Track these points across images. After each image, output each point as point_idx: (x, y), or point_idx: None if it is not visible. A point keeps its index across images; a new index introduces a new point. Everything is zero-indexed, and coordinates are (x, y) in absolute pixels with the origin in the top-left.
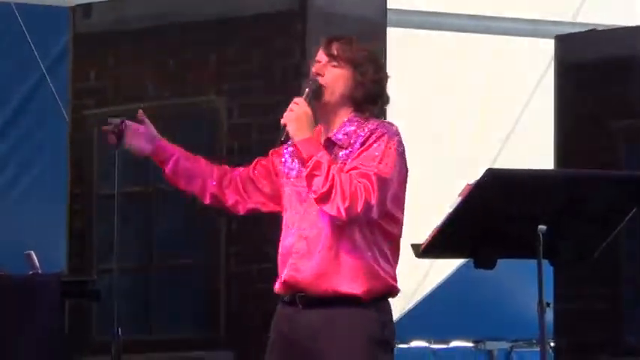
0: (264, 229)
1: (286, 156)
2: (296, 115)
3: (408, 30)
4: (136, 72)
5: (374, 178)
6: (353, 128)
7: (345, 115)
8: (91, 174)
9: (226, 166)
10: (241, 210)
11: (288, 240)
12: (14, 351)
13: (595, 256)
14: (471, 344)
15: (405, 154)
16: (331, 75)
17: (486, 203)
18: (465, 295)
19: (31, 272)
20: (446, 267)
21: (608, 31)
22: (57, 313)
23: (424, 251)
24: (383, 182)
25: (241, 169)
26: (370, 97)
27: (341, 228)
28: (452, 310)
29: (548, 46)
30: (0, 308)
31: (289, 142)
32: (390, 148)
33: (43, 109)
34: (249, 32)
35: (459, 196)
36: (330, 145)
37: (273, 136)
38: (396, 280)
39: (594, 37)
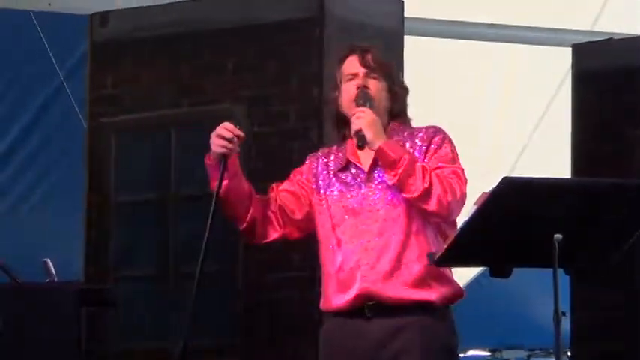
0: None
1: (322, 173)
2: (370, 120)
3: (425, 38)
4: (153, 80)
5: (461, 174)
6: (401, 137)
7: (386, 126)
8: (108, 182)
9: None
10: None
11: (343, 257)
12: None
13: (611, 264)
14: (487, 353)
15: None
16: (375, 87)
17: (502, 212)
18: (481, 303)
19: (47, 280)
20: (463, 275)
21: (626, 40)
22: (73, 321)
23: (440, 260)
24: (465, 180)
25: (270, 202)
26: (403, 106)
27: (409, 235)
28: (468, 318)
29: (565, 54)
30: (16, 316)
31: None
32: (455, 150)
33: (61, 117)
34: (266, 40)
35: (474, 204)
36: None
37: (291, 144)
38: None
39: (611, 46)
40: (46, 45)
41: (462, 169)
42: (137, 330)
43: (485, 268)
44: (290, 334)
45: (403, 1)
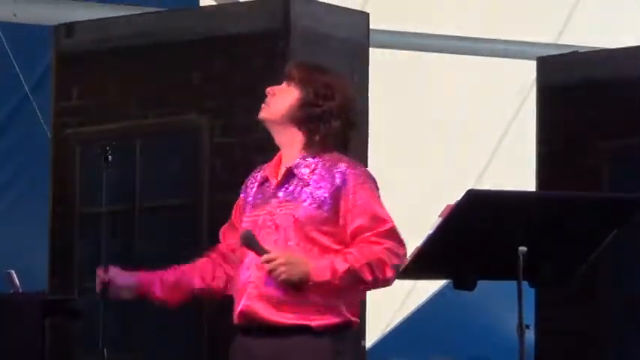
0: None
1: (248, 191)
2: (284, 273)
3: (390, 51)
4: (118, 91)
5: (389, 225)
6: (314, 163)
7: (297, 140)
8: (74, 193)
9: (208, 259)
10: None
11: (244, 272)
12: None
13: (576, 277)
14: None
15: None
16: (278, 90)
17: (467, 224)
18: (446, 315)
19: (11, 291)
20: (427, 288)
21: (590, 52)
22: (38, 332)
23: (404, 272)
24: (392, 230)
25: (213, 254)
26: (310, 119)
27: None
28: (433, 330)
29: (530, 67)
30: None
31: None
32: (372, 191)
33: (26, 129)
34: (232, 51)
35: (439, 216)
36: (288, 175)
37: (255, 156)
38: (356, 314)
39: (576, 59)
40: (11, 56)
41: (388, 222)
42: (102, 342)
43: (449, 280)
44: None
45: (368, 14)
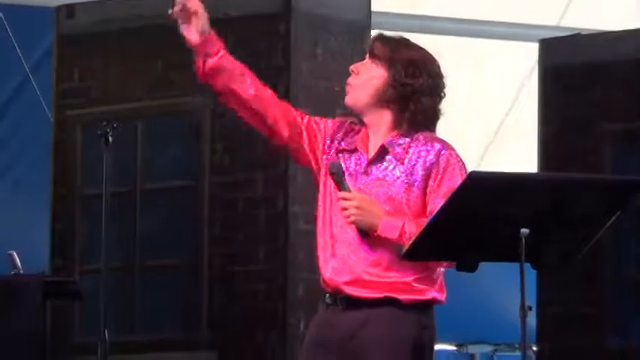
0: (247, 230)
1: (333, 144)
2: (357, 215)
3: (391, 33)
4: (120, 72)
5: None
6: (405, 141)
7: (385, 116)
8: (75, 174)
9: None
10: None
11: (340, 247)
12: None
13: (577, 259)
14: (453, 347)
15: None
16: (364, 70)
17: (469, 206)
18: (447, 298)
19: (12, 272)
20: None
21: (593, 35)
22: (38, 313)
23: (406, 254)
24: None
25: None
26: (397, 99)
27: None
28: (434, 313)
29: (532, 50)
30: None
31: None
32: (463, 175)
33: (26, 110)
34: (233, 33)
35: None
36: (382, 151)
37: (257, 138)
38: (442, 290)
39: (578, 41)
40: (12, 37)
41: None
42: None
43: (451, 262)
44: (257, 327)
45: None
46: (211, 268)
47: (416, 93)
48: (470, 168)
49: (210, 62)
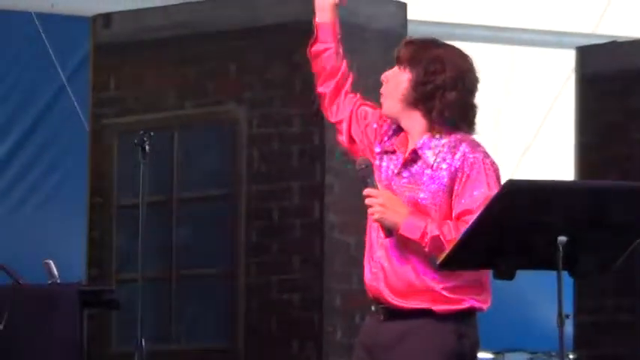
0: (282, 239)
1: (383, 135)
2: (381, 213)
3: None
4: (155, 81)
5: None
6: (439, 142)
7: (418, 118)
8: (111, 184)
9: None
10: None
11: (377, 250)
12: None
13: (615, 267)
14: (491, 356)
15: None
16: (390, 76)
17: (506, 214)
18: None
19: (49, 282)
20: None
21: (629, 42)
22: (75, 322)
23: (443, 264)
24: None
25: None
26: (425, 97)
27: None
28: (477, 321)
29: (568, 57)
30: (19, 318)
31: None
32: (491, 184)
33: (63, 119)
34: (269, 42)
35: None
36: (414, 156)
37: (293, 146)
38: (482, 300)
39: (615, 48)
40: (48, 46)
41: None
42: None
43: (488, 270)
44: (293, 336)
45: (406, 4)
46: (247, 277)
47: (439, 89)
48: (505, 177)
49: (325, 44)
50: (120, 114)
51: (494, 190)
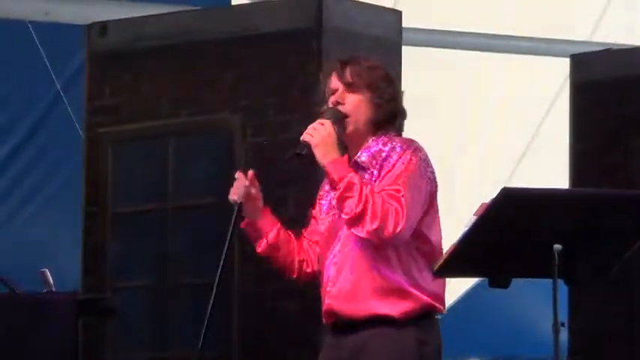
0: None
1: (323, 199)
2: (322, 136)
3: (423, 48)
4: (151, 90)
5: (402, 200)
6: (377, 148)
7: (368, 138)
8: (106, 192)
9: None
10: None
11: (324, 273)
12: None
13: (611, 275)
14: None
15: (430, 169)
16: (351, 101)
17: (501, 222)
18: (480, 313)
19: (45, 290)
20: (461, 285)
21: (624, 50)
22: (71, 331)
23: (438, 271)
24: (411, 203)
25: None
26: (390, 116)
27: (371, 249)
28: (468, 328)
29: (563, 65)
30: (14, 326)
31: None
32: (413, 164)
33: (58, 127)
34: (264, 50)
35: (474, 215)
36: (357, 168)
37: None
38: (437, 299)
39: (610, 56)
40: (43, 55)
41: (407, 192)
42: (135, 340)
43: (484, 278)
44: (289, 345)
45: (401, 12)
46: (243, 285)
47: (397, 104)
48: (501, 184)
49: (270, 240)
50: (115, 122)
51: (405, 174)
